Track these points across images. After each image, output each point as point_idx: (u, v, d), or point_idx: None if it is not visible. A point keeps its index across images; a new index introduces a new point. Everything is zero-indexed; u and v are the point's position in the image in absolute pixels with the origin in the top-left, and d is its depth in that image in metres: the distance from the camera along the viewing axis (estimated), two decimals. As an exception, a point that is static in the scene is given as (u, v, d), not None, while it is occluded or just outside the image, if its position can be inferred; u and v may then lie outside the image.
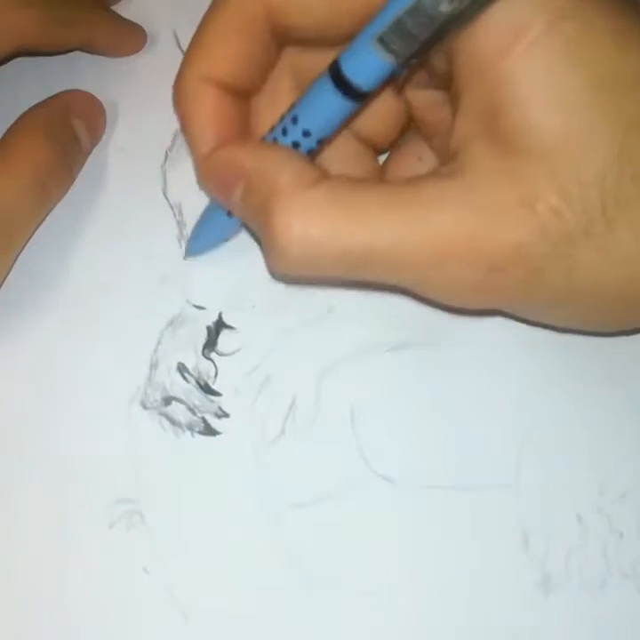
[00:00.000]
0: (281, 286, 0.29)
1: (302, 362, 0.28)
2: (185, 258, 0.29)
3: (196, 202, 0.29)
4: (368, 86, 0.23)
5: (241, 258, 0.29)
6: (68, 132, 0.29)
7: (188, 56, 0.26)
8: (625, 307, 0.24)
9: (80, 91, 0.30)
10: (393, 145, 0.29)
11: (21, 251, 0.28)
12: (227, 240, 0.29)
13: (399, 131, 0.28)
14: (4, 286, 0.28)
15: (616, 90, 0.21)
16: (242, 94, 0.26)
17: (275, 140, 0.25)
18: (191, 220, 0.29)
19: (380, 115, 0.27)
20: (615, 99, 0.21)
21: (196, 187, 0.29)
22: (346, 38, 0.23)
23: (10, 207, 0.27)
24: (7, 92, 0.31)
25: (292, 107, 0.25)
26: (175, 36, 0.33)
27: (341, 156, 0.27)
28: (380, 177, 0.29)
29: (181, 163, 0.30)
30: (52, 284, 0.29)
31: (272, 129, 0.26)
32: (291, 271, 0.24)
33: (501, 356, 0.28)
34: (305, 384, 0.27)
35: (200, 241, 0.29)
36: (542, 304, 0.24)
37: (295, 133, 0.25)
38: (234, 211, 0.26)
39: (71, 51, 0.32)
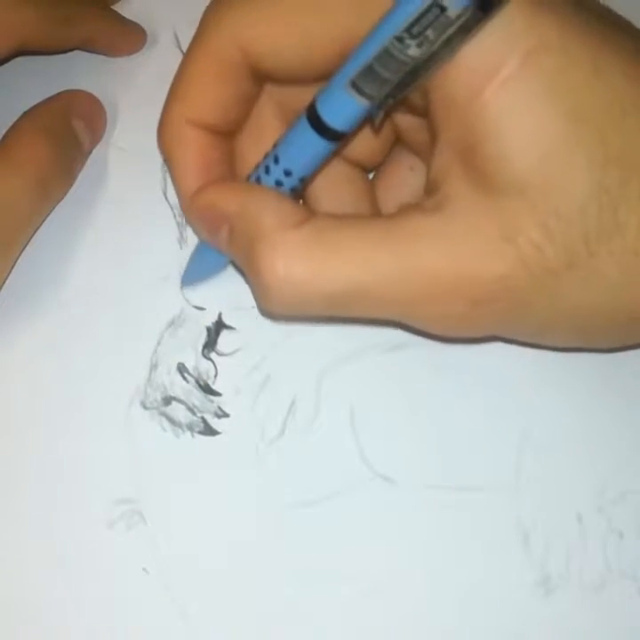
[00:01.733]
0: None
1: (302, 362, 0.28)
2: (182, 288, 0.29)
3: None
4: (344, 128, 0.23)
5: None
6: (69, 132, 0.29)
7: (169, 99, 0.26)
8: (613, 331, 0.24)
9: (81, 91, 0.30)
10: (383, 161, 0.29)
11: (22, 251, 0.28)
12: (220, 271, 0.29)
13: (387, 150, 0.28)
14: (3, 286, 0.28)
15: (594, 120, 0.21)
16: (225, 133, 0.27)
17: (258, 178, 0.25)
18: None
19: (368, 138, 0.27)
20: (593, 130, 0.21)
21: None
22: (324, 76, 0.23)
23: (11, 207, 0.27)
24: (7, 91, 0.31)
25: (275, 146, 0.25)
26: (175, 36, 0.33)
27: (331, 180, 0.28)
28: (371, 193, 0.29)
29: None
30: (51, 285, 0.29)
31: (256, 167, 0.26)
32: (279, 311, 0.24)
33: (501, 357, 0.28)
34: (305, 384, 0.27)
35: (194, 273, 0.29)
36: (529, 331, 0.25)
37: (277, 172, 0.25)
38: (221, 249, 0.26)
39: (71, 50, 0.32)
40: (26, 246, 0.29)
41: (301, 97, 0.24)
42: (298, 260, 0.23)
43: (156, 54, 0.32)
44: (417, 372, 0.27)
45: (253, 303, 0.28)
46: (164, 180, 0.30)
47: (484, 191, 0.22)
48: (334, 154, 0.25)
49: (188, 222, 0.29)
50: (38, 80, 0.32)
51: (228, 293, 0.29)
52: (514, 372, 0.28)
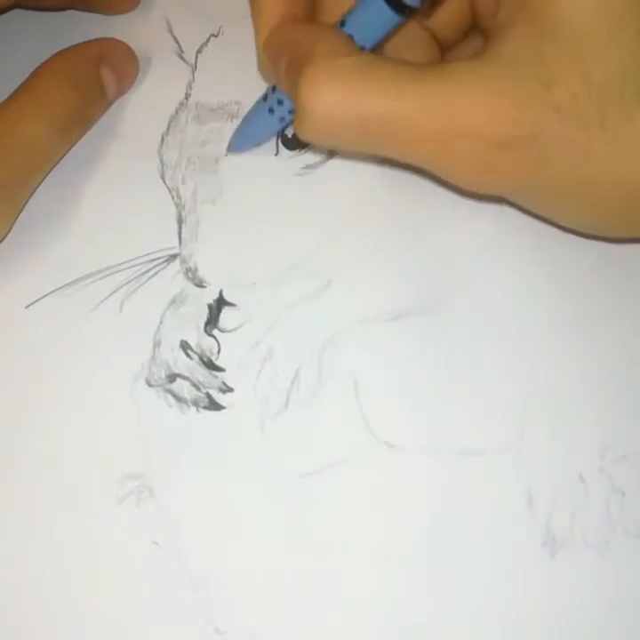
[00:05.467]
0: (280, 262, 0.29)
1: (304, 335, 0.28)
2: (227, 154, 0.30)
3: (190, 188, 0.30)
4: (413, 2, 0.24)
5: (240, 236, 0.29)
6: (95, 81, 0.30)
7: None
8: (633, 207, 0.24)
9: (114, 39, 0.31)
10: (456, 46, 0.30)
11: (37, 187, 0.29)
12: (266, 140, 0.30)
13: (462, 29, 0.29)
14: (5, 268, 0.28)
15: None
16: None
17: None
18: (189, 203, 0.30)
19: (446, 8, 0.28)
20: None
21: (192, 172, 0.30)
22: None
23: (32, 146, 0.28)
24: (4, 44, 0.32)
25: (344, 14, 0.26)
26: (168, 22, 0.33)
27: (407, 42, 0.28)
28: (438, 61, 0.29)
29: (178, 146, 0.31)
30: (54, 267, 0.29)
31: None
32: (314, 135, 0.25)
33: (502, 322, 0.28)
34: (307, 356, 0.28)
35: (243, 137, 0.30)
36: (550, 191, 0.25)
37: None
38: (280, 84, 0.27)
39: (66, 9, 0.32)
40: (28, 230, 0.29)
41: None
42: (339, 82, 0.24)
43: (150, 40, 0.33)
44: (418, 340, 0.28)
45: (253, 280, 0.29)
46: (162, 163, 0.31)
47: (535, 38, 0.23)
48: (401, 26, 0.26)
49: (259, 65, 0.29)
50: (34, 39, 0.32)
51: (228, 271, 0.29)
52: (515, 337, 0.28)
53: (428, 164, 0.25)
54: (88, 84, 0.30)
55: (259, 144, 0.30)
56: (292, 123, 0.28)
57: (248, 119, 0.30)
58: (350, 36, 0.26)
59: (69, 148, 0.30)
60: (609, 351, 0.28)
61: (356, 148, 0.25)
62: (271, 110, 0.28)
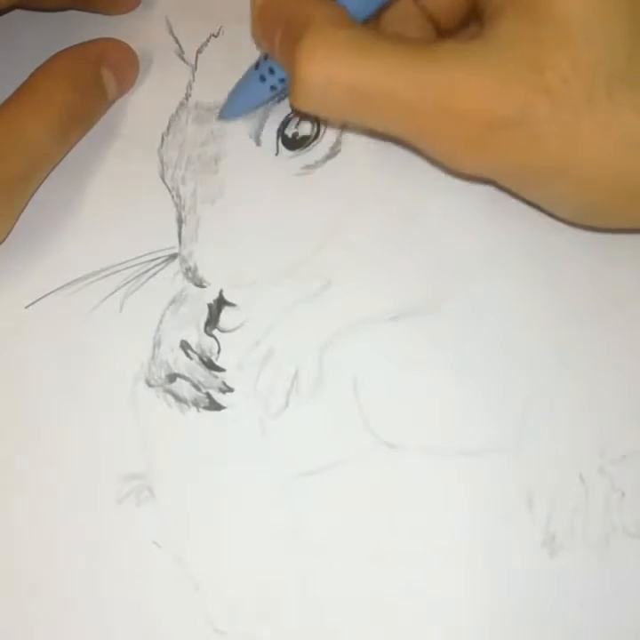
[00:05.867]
0: (280, 262, 0.29)
1: (304, 335, 0.28)
2: (218, 119, 0.30)
3: (190, 188, 0.30)
4: None
5: (240, 236, 0.29)
6: (96, 81, 0.30)
7: None
8: (621, 193, 0.24)
9: (114, 39, 0.31)
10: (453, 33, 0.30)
11: (37, 188, 0.29)
12: (256, 108, 0.30)
13: (462, 14, 0.29)
14: (5, 268, 0.28)
15: None
16: None
17: None
18: (189, 203, 0.30)
19: None
20: None
21: (192, 172, 0.30)
22: None
23: (32, 145, 0.28)
24: (4, 44, 0.32)
25: None
26: (168, 22, 0.33)
27: (400, 19, 0.28)
28: None
29: (178, 146, 0.31)
30: (54, 267, 0.29)
31: None
32: (308, 105, 0.25)
33: (501, 322, 0.28)
34: (307, 356, 0.28)
35: (234, 104, 0.30)
36: (538, 174, 0.25)
37: None
38: (274, 55, 0.27)
39: (66, 9, 0.32)
40: (27, 231, 0.29)
41: None
42: (335, 54, 0.24)
43: (150, 40, 0.33)
44: (417, 340, 0.28)
45: (253, 280, 0.29)
46: (162, 163, 0.31)
47: (529, 21, 0.23)
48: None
49: (252, 32, 0.29)
50: (34, 39, 0.32)
51: (228, 271, 0.29)
52: (514, 337, 0.28)
53: (417, 140, 0.26)
54: (88, 85, 0.30)
55: (249, 111, 0.30)
56: (281, 92, 0.29)
57: (239, 86, 0.30)
58: (344, 8, 0.26)
59: (70, 149, 0.30)
60: (609, 351, 0.28)
61: (348, 118, 0.26)
62: (262, 78, 0.29)
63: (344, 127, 0.30)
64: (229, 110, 0.30)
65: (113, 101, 0.31)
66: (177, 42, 0.32)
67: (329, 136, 0.30)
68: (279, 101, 0.30)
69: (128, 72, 0.31)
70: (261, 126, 0.30)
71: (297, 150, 0.30)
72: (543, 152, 0.24)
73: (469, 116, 0.23)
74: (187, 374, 0.28)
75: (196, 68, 0.32)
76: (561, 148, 0.23)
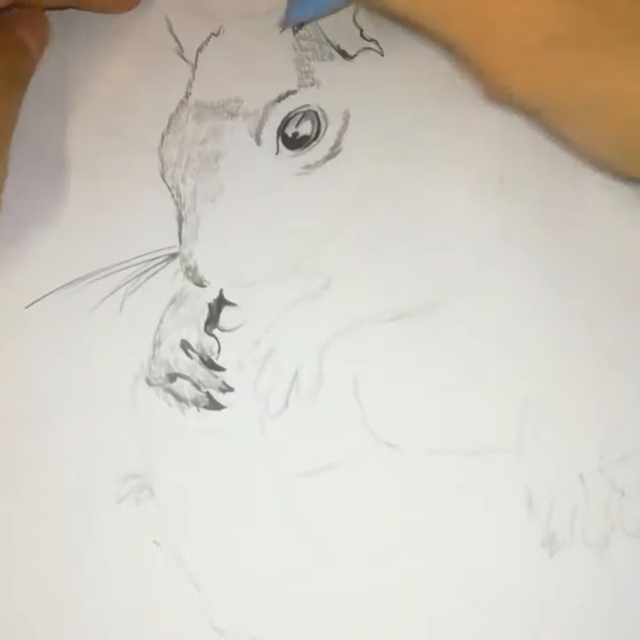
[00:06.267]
0: (280, 262, 0.29)
1: (304, 335, 0.28)
2: (282, 29, 0.30)
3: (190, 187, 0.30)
4: None
5: (240, 235, 0.29)
6: (14, 39, 0.30)
7: None
8: None
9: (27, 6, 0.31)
10: None
11: None
12: (325, 12, 0.29)
13: None
14: (5, 268, 0.28)
15: None
16: None
17: None
18: (189, 201, 0.30)
19: None
20: None
21: (192, 171, 0.30)
22: None
23: None
24: None
25: None
26: (168, 21, 0.33)
27: None
28: None
29: (178, 145, 0.31)
30: (54, 267, 0.29)
31: None
32: None
33: (501, 322, 0.28)
34: (307, 356, 0.28)
35: (305, 4, 0.29)
36: (588, 102, 0.24)
37: None
38: None
39: (66, 8, 0.32)
40: (24, 228, 0.29)
41: None
42: None
43: (150, 37, 0.32)
44: (418, 340, 0.28)
45: (253, 279, 0.29)
46: (162, 162, 0.31)
47: None
48: None
49: None
50: None
51: (228, 270, 0.29)
52: (514, 337, 0.28)
53: (471, 47, 0.24)
54: (8, 41, 0.30)
55: (317, 15, 0.29)
56: None
57: None
58: None
59: (17, 112, 0.30)
60: (609, 351, 0.28)
61: (411, 11, 0.24)
62: None
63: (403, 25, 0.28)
64: (298, 12, 0.29)
65: (37, 60, 0.31)
66: (177, 40, 0.32)
67: (329, 136, 0.30)
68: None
69: (43, 32, 0.31)
70: (262, 125, 0.30)
71: (297, 150, 0.30)
72: (596, 78, 0.23)
73: (529, 28, 0.23)
74: (187, 374, 0.28)
75: (196, 66, 0.32)
76: (614, 79, 0.23)
